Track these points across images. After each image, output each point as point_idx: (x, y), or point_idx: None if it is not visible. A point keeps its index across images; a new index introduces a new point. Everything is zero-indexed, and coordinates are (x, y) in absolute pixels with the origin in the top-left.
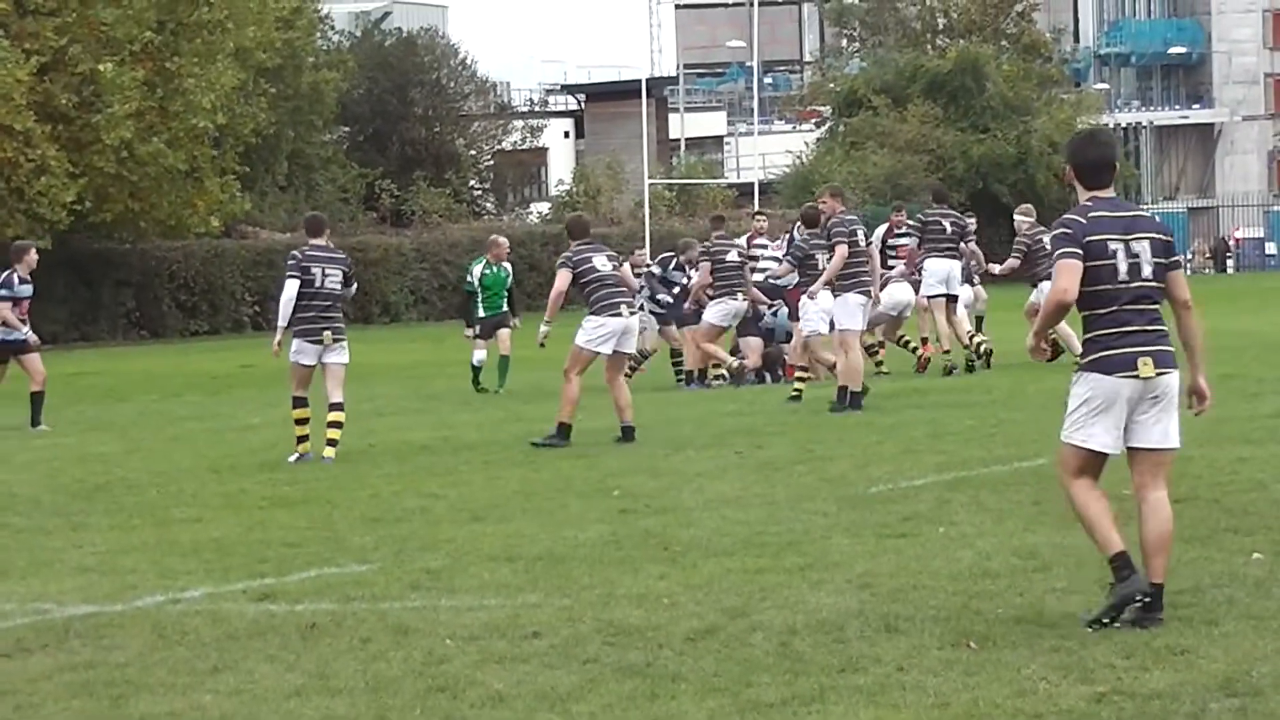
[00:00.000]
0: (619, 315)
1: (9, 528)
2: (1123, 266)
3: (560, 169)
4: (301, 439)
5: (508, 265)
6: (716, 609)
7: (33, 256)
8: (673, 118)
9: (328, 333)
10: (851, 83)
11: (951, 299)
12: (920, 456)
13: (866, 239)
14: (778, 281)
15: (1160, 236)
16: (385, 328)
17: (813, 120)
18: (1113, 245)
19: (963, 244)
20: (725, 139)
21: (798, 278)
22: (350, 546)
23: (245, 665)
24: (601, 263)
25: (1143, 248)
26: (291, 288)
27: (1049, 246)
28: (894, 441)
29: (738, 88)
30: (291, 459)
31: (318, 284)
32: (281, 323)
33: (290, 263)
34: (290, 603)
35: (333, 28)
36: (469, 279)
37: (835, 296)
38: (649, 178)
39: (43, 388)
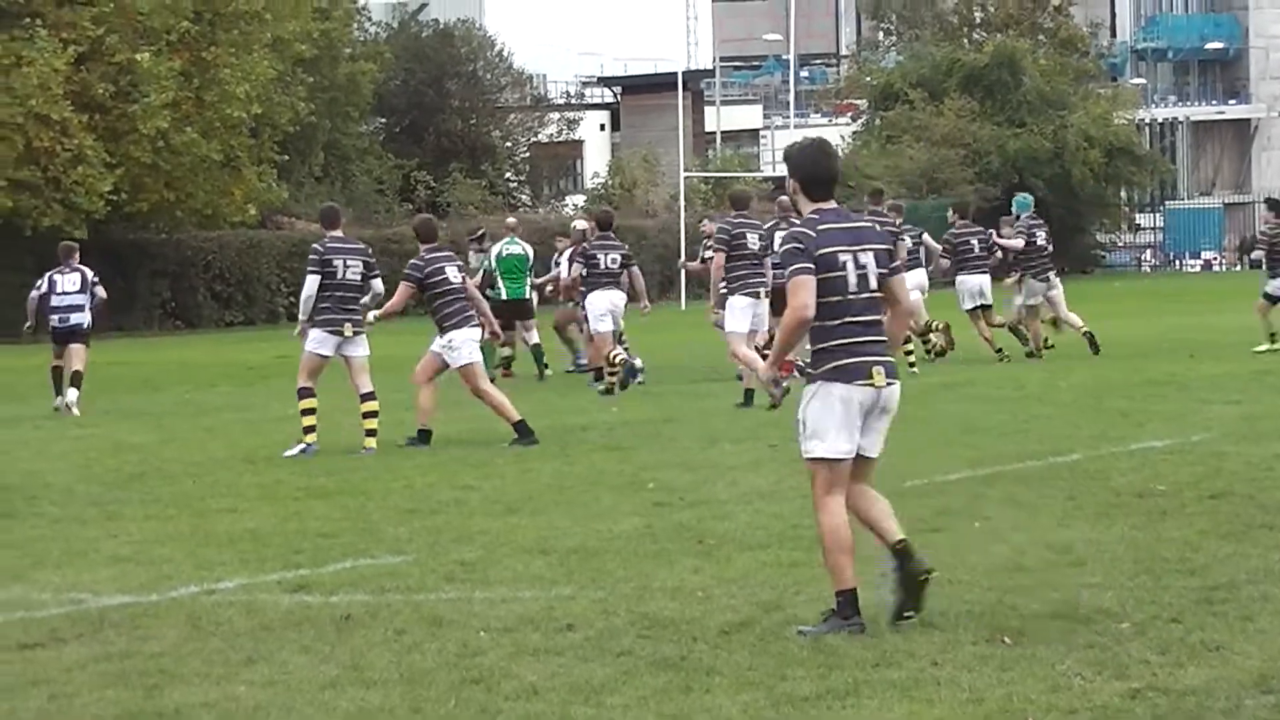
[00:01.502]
0: (476, 326)
1: (44, 517)
2: (852, 278)
3: (596, 161)
4: (309, 429)
5: (527, 247)
6: (751, 602)
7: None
8: (709, 110)
9: (348, 324)
10: (888, 76)
11: (985, 308)
12: (954, 451)
13: (763, 244)
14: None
15: (883, 247)
16: (420, 319)
17: (849, 114)
18: (843, 257)
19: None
20: (761, 132)
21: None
22: (385, 538)
23: (280, 656)
24: (453, 274)
25: (869, 259)
26: (313, 283)
27: (781, 260)
28: (927, 436)
29: (774, 81)
30: (294, 451)
31: (339, 276)
32: (303, 317)
33: (312, 257)
34: (325, 594)
35: (369, 19)
36: (490, 264)
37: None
38: (685, 171)
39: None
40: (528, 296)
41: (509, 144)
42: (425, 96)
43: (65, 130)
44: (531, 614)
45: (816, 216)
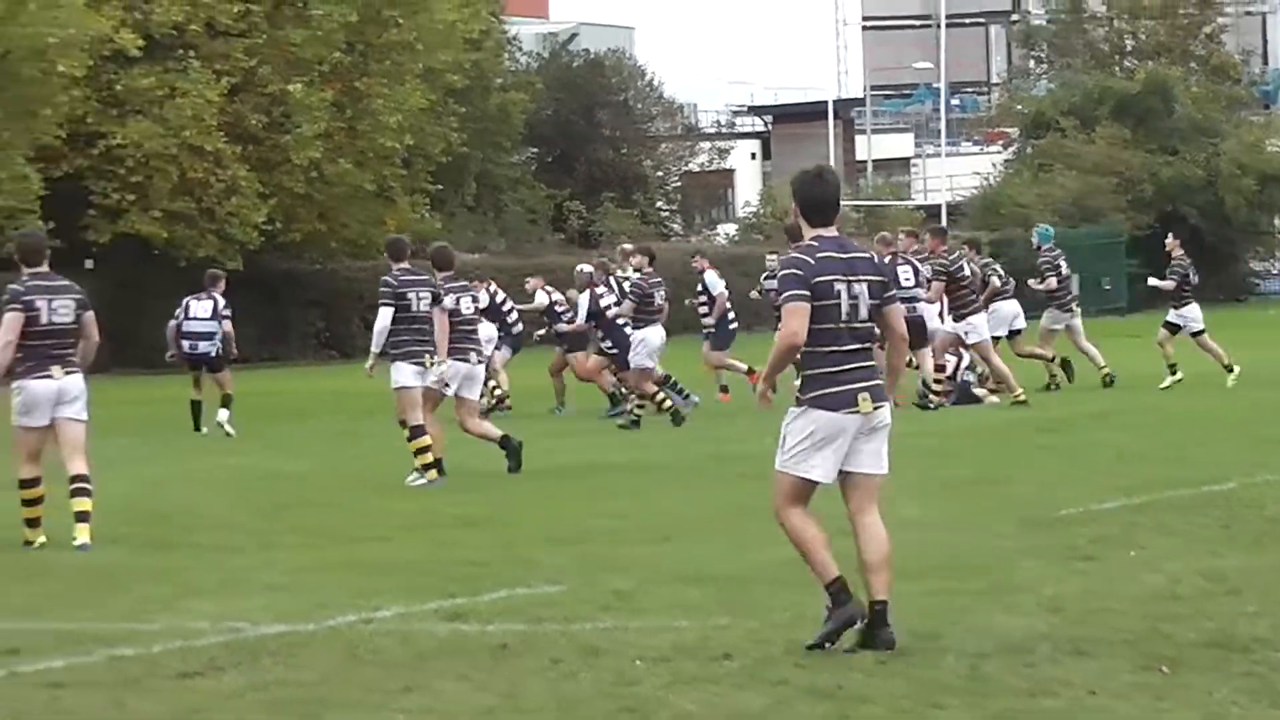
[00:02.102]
0: (466, 361)
1: (200, 547)
2: (844, 307)
3: (747, 190)
4: (428, 466)
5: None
6: (905, 631)
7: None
8: (859, 139)
9: (428, 356)
10: (1039, 104)
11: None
12: (1105, 479)
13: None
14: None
15: (877, 278)
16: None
17: (1000, 142)
18: (838, 286)
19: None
20: (912, 160)
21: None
22: (540, 566)
23: (436, 685)
24: (466, 304)
25: (862, 289)
26: (386, 315)
27: (778, 285)
28: (1078, 464)
29: (925, 109)
30: (420, 481)
31: (413, 308)
32: (375, 349)
33: (384, 290)
34: (481, 623)
35: (520, 49)
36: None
37: None
38: None
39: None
40: None
41: (660, 173)
42: (576, 126)
43: (219, 161)
44: (687, 643)
45: (816, 244)
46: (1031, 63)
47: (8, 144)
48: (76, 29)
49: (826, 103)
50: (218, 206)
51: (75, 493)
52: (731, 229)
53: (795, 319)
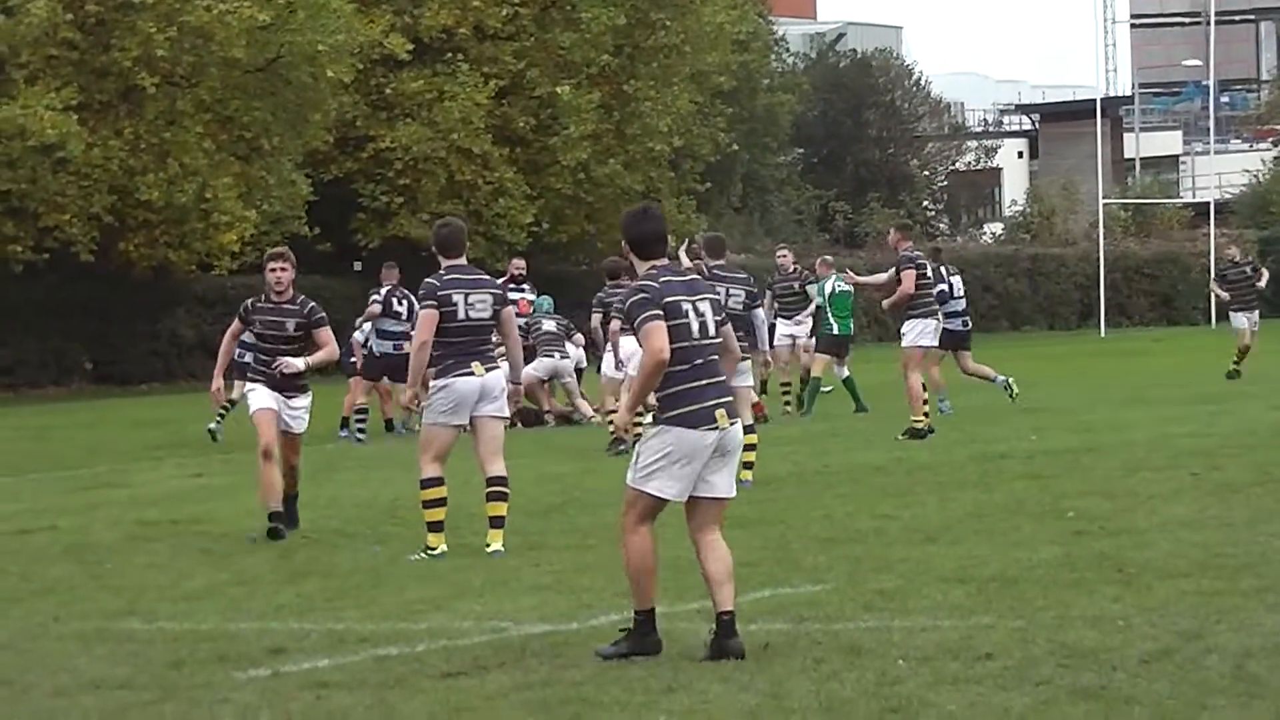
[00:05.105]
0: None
1: (467, 548)
2: (694, 325)
3: (1014, 189)
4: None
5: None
6: (1171, 631)
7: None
8: (1127, 137)
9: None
10: None
11: None
12: None
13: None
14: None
15: (715, 296)
16: None
17: (1270, 139)
18: (684, 305)
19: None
20: (1181, 158)
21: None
22: (804, 567)
23: (699, 685)
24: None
25: (706, 307)
26: None
27: (629, 311)
28: None
29: (1194, 106)
30: None
31: (723, 304)
32: None
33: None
34: (745, 622)
35: (787, 50)
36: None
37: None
38: (1103, 198)
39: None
40: (853, 333)
41: (926, 173)
42: (843, 126)
43: (487, 163)
44: (950, 643)
45: (655, 271)
46: None
47: (278, 149)
48: (346, 35)
49: (1094, 101)
50: (485, 208)
51: (492, 496)
52: (998, 228)
53: (657, 337)
